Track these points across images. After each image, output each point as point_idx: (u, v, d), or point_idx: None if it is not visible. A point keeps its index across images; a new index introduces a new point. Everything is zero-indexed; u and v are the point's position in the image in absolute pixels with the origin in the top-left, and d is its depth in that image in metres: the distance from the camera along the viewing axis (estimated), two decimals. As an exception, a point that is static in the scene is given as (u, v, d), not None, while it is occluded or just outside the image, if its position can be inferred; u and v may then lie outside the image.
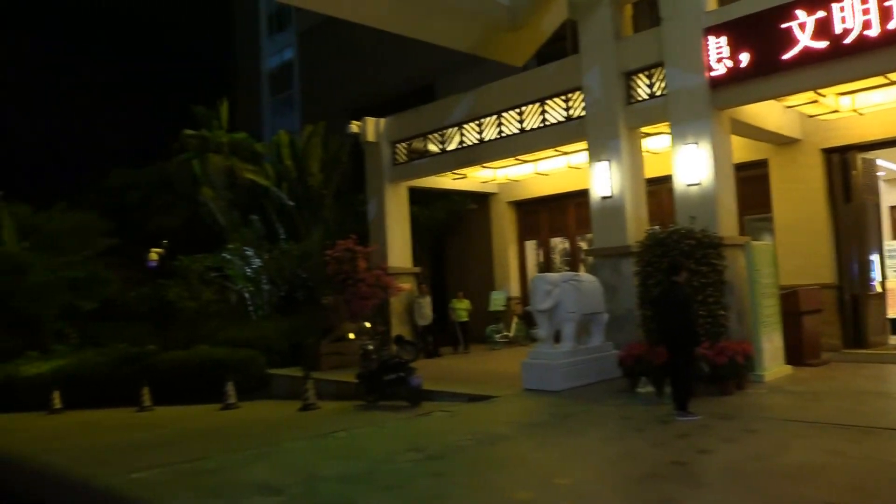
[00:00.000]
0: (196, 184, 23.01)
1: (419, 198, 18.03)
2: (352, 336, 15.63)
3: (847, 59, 9.71)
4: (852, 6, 9.43)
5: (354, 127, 17.03)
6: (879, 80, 10.89)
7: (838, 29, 9.59)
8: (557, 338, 10.89)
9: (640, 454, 6.80)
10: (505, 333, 17.64)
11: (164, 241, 23.15)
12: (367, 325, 15.19)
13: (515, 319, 17.92)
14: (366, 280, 15.60)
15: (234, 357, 15.43)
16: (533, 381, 10.57)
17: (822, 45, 9.76)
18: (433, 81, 22.79)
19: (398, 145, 16.88)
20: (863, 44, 9.46)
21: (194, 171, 23.29)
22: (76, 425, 13.84)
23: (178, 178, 24.94)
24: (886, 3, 9.16)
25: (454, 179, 17.48)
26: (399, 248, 16.92)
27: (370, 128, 16.94)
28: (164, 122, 29.28)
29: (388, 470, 6.79)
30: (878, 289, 13.00)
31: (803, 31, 9.89)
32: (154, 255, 22.48)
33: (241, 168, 22.89)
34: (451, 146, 15.59)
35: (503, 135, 14.46)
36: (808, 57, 9.93)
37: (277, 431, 10.48)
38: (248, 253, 19.98)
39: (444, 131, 15.69)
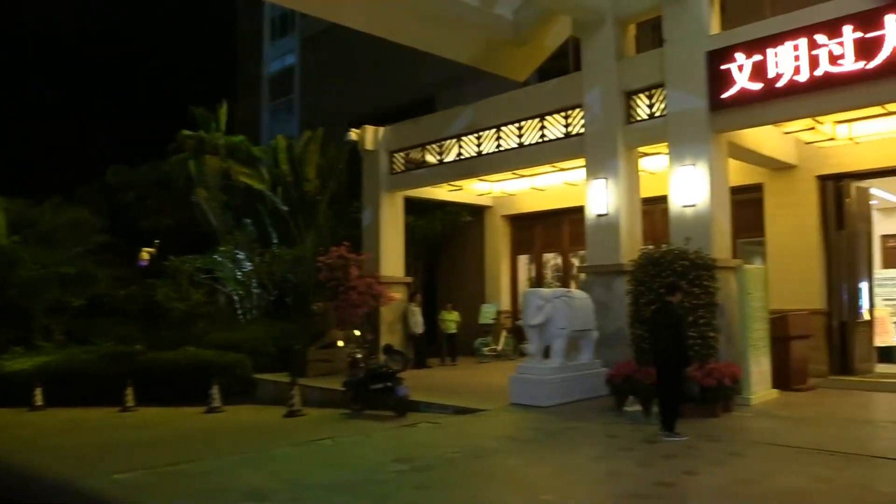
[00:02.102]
0: (191, 185, 22.95)
1: (414, 208, 18.06)
2: (340, 343, 15.59)
3: (841, 88, 9.84)
4: (847, 39, 9.55)
5: (353, 135, 17.07)
6: (877, 109, 11.00)
7: (830, 59, 9.77)
8: (546, 353, 10.89)
9: (627, 473, 6.78)
10: (493, 347, 17.61)
11: (156, 241, 23.06)
12: (357, 333, 15.14)
13: (504, 333, 17.91)
14: (357, 288, 15.57)
15: (220, 360, 15.34)
16: (520, 395, 10.54)
17: (820, 72, 9.88)
18: (434, 94, 22.85)
19: (396, 155, 16.91)
20: (855, 75, 9.61)
21: (190, 171, 23.23)
22: (57, 423, 13.71)
23: (174, 178, 24.87)
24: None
25: (450, 191, 17.51)
26: (392, 258, 16.91)
27: (369, 136, 16.98)
28: (163, 122, 29.20)
29: (375, 480, 6.75)
30: (867, 316, 13.06)
31: (797, 61, 10.05)
32: (145, 254, 22.41)
33: (237, 171, 22.84)
34: (449, 158, 15.63)
35: (501, 149, 14.51)
36: (802, 85, 10.06)
37: (262, 437, 10.42)
38: (239, 256, 19.93)
39: (443, 143, 15.74)
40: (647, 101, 11.99)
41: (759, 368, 10.53)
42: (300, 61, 33.35)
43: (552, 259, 18.48)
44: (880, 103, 10.42)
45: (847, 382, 11.89)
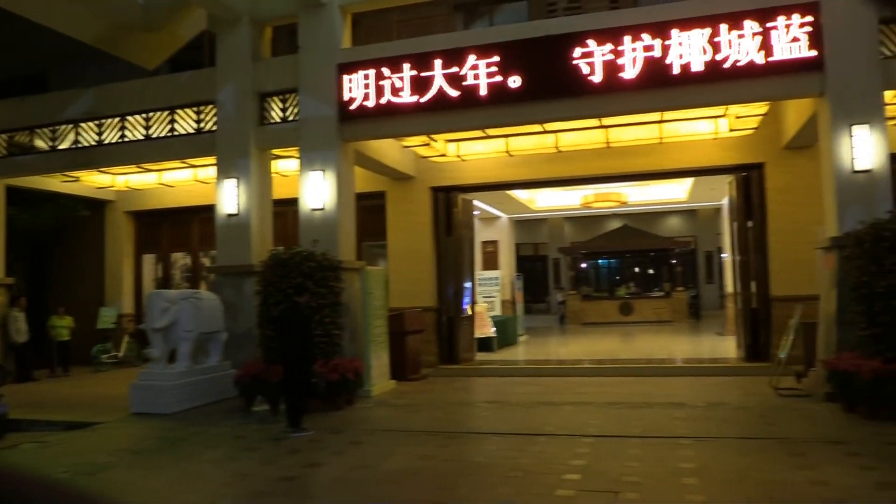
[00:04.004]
0: None
1: (18, 199, 15.83)
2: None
3: (402, 117, 11.20)
4: (406, 75, 10.91)
5: (-63, 109, 14.39)
6: (478, 133, 12.70)
7: (393, 91, 11.12)
8: (172, 358, 10.45)
9: (251, 473, 6.84)
10: (114, 353, 16.30)
11: None
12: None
13: (127, 338, 16.68)
14: (-60, 290, 13.16)
15: None
16: (143, 404, 9.96)
17: (384, 101, 11.16)
18: (47, 70, 20.30)
19: (-5, 137, 14.67)
20: (412, 106, 11.02)
21: None
22: None
23: None
24: (472, 72, 10.75)
25: (64, 182, 15.79)
26: (-12, 256, 14.63)
27: (-42, 113, 14.48)
28: None
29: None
30: (469, 312, 14.96)
31: (367, 88, 11.27)
32: None
33: None
34: (64, 145, 14.04)
35: (126, 139, 13.48)
36: (371, 110, 11.23)
37: None
38: None
39: (57, 127, 14.07)
40: (281, 105, 12.19)
41: (380, 362, 11.43)
42: None
43: (181, 259, 17.73)
44: (433, 132, 12.13)
45: (453, 370, 13.49)
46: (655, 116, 12.13)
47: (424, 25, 14.75)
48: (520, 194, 18.73)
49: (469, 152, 14.01)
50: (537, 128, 12.49)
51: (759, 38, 9.72)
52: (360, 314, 11.14)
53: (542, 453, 7.09)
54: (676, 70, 9.98)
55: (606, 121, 12.23)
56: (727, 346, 15.15)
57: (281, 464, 7.09)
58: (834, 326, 9.20)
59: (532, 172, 14.20)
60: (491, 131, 12.67)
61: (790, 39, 9.65)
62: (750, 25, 9.75)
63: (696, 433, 7.72)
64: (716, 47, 9.84)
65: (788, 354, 10.31)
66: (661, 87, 10.14)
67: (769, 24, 9.71)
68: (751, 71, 9.77)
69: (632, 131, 12.92)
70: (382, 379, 11.48)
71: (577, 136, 13.23)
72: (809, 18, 9.62)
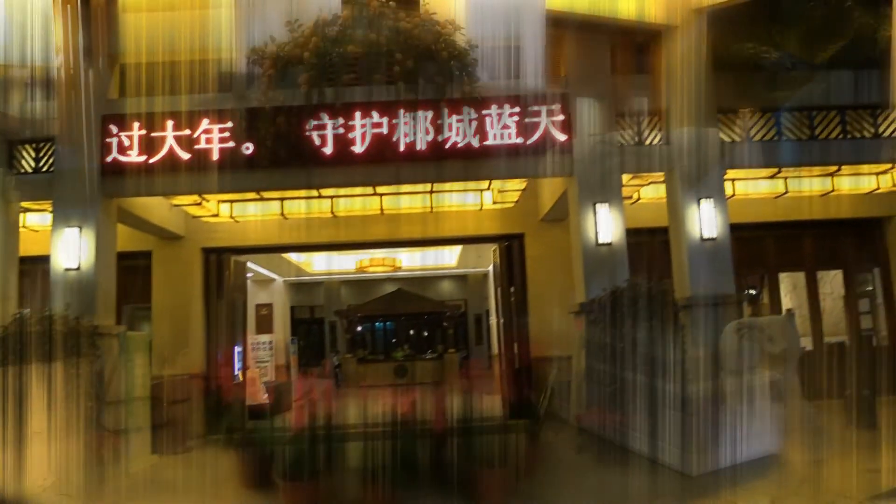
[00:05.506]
0: None
1: None
2: None
3: (129, 177, 10.79)
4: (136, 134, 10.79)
5: None
6: (252, 195, 12.55)
7: (119, 149, 10.82)
8: None
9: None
10: None
11: None
12: None
13: None
14: None
15: None
16: None
17: (110, 159, 10.77)
18: None
19: None
20: (140, 165, 10.75)
21: None
22: None
23: None
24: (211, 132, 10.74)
25: None
26: None
27: None
28: None
29: None
30: (241, 378, 14.41)
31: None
32: None
33: None
34: None
35: None
36: (107, 166, 10.80)
37: None
38: None
39: None
40: (34, 154, 11.18)
41: (139, 435, 10.59)
42: None
43: None
44: (164, 194, 11.84)
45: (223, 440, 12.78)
46: (426, 187, 12.77)
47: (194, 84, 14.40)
48: (295, 257, 18.62)
49: (242, 214, 13.72)
50: (313, 192, 12.58)
51: (475, 124, 10.74)
52: (118, 384, 10.30)
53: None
54: (402, 147, 10.70)
55: (380, 189, 12.66)
56: (494, 404, 15.92)
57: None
58: (583, 383, 10.13)
59: (307, 236, 14.20)
60: (266, 194, 12.56)
61: (499, 126, 10.77)
62: (468, 111, 10.75)
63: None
64: (438, 129, 10.71)
65: (545, 410, 11.11)
66: (390, 163, 10.82)
67: (485, 112, 10.75)
68: (470, 153, 10.73)
69: (404, 200, 13.44)
70: (143, 454, 10.63)
71: (352, 202, 13.51)
72: (553, 107, 10.86)
